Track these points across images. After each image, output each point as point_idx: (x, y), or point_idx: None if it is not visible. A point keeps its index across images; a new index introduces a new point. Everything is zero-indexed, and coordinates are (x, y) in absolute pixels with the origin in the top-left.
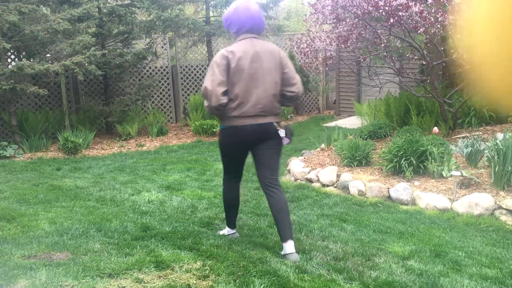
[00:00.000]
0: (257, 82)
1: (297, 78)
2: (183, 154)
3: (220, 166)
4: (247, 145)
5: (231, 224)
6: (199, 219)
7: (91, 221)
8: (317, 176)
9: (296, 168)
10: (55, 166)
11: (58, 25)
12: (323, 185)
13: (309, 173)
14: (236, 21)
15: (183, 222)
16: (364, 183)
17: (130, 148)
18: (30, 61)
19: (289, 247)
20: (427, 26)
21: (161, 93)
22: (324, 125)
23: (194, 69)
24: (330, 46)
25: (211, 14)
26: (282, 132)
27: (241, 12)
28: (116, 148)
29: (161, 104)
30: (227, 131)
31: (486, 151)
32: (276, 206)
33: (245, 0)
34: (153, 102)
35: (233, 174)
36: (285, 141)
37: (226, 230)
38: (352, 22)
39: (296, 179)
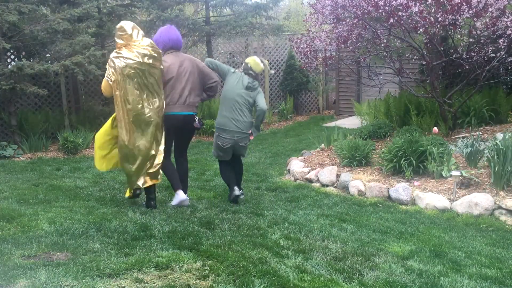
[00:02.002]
0: (181, 81)
1: (213, 74)
2: None
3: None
4: (173, 128)
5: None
6: (199, 219)
7: (90, 221)
8: (317, 176)
9: (296, 168)
10: (55, 166)
11: (58, 25)
12: (323, 185)
13: (309, 173)
14: (162, 42)
15: (182, 222)
16: (364, 183)
17: None
18: (30, 61)
19: (181, 194)
20: (427, 26)
21: None
22: (324, 125)
23: None
24: (329, 46)
25: (210, 14)
26: (197, 120)
27: (164, 36)
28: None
29: None
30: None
31: (486, 151)
32: (181, 171)
33: (166, 27)
34: None
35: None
36: (198, 125)
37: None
38: (352, 22)
39: (296, 179)
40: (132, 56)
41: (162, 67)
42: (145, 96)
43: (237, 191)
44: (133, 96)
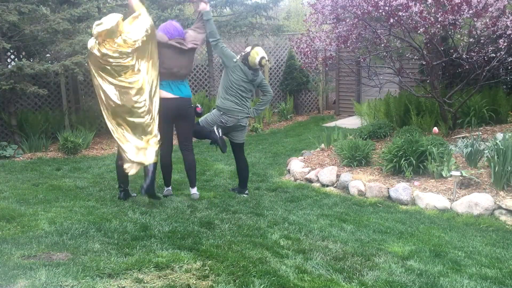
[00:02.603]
0: (181, 61)
1: None
2: None
3: (219, 166)
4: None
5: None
6: (199, 219)
7: (91, 221)
8: (317, 176)
9: (296, 168)
10: (55, 166)
11: (58, 25)
12: (323, 185)
13: (309, 173)
14: (168, 34)
15: (182, 222)
16: (364, 183)
17: None
18: (30, 61)
19: (193, 190)
20: (427, 26)
21: None
22: (324, 125)
23: (194, 69)
24: (330, 46)
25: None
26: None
27: (169, 29)
28: (116, 148)
29: None
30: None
31: (486, 151)
32: (187, 164)
33: (168, 21)
34: None
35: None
36: (199, 109)
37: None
38: (352, 22)
39: (296, 179)
40: (95, 50)
41: (136, 65)
42: (109, 90)
43: (216, 132)
44: (103, 86)
